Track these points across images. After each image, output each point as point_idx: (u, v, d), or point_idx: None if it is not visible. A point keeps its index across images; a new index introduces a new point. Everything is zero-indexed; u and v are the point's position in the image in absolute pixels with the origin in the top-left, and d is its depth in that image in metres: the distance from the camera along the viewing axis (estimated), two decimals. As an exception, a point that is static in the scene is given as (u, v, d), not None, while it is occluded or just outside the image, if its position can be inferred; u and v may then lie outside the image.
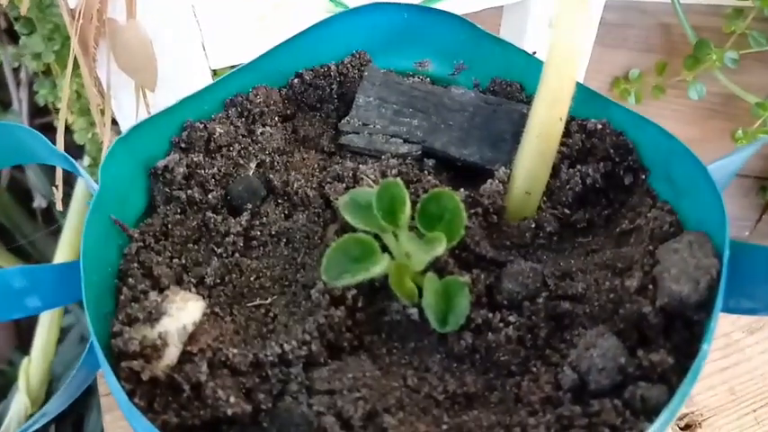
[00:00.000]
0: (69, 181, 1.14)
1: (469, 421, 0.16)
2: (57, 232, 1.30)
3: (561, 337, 0.18)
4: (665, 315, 0.17)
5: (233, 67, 0.24)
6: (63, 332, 0.93)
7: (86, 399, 1.12)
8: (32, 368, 0.89)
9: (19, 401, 0.90)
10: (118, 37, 0.31)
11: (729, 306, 0.19)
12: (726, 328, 0.38)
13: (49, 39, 0.68)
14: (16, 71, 1.40)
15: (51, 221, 1.40)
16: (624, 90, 0.63)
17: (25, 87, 1.46)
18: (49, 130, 1.04)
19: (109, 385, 0.15)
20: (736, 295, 0.19)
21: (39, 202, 1.37)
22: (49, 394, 0.96)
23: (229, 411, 0.15)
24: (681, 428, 0.34)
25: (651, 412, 0.15)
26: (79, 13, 0.30)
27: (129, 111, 0.35)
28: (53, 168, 0.73)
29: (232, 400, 0.15)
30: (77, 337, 1.10)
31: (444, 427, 0.16)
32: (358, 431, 0.15)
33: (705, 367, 0.34)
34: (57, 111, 0.79)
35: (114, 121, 0.75)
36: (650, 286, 0.17)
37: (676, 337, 0.17)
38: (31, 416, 0.92)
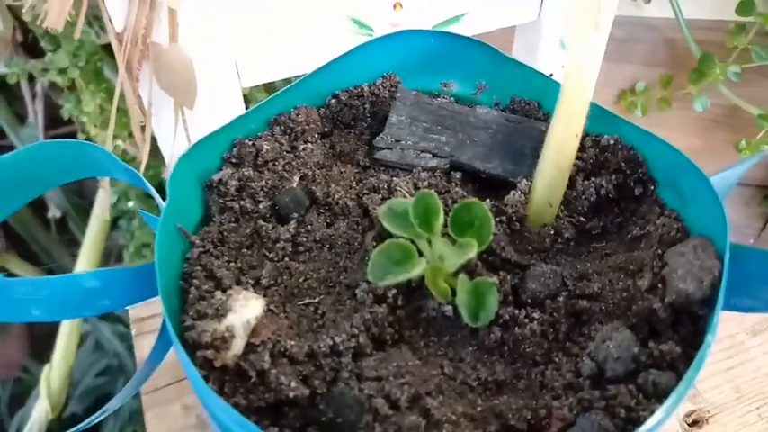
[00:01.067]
0: (86, 195, 1.16)
1: (500, 404, 0.18)
2: (71, 243, 1.33)
3: (580, 331, 0.20)
4: (673, 311, 0.19)
5: (265, 85, 0.26)
6: (80, 339, 0.96)
7: (115, 382, 1.14)
8: (53, 375, 0.92)
9: (40, 407, 0.92)
10: (161, 59, 0.33)
11: (731, 304, 0.21)
12: (731, 329, 0.40)
13: (74, 55, 0.71)
14: (32, 84, 1.43)
15: (65, 232, 1.42)
16: (631, 103, 0.65)
17: (41, 100, 1.49)
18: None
19: (187, 372, 0.17)
20: (737, 294, 0.21)
21: (53, 213, 1.40)
22: (68, 399, 0.98)
23: (291, 395, 0.17)
24: (689, 424, 0.36)
25: (661, 395, 0.17)
26: (126, 37, 0.32)
27: (167, 127, 0.37)
28: (70, 183, 0.77)
29: (293, 385, 0.18)
30: (93, 345, 1.12)
31: (479, 408, 0.18)
32: (404, 411, 0.17)
33: (711, 367, 0.36)
34: (81, 124, 0.82)
35: (130, 134, 0.77)
36: (659, 285, 0.19)
37: (683, 330, 0.19)
38: (52, 421, 0.94)
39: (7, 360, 1.30)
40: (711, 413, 0.36)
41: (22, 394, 1.26)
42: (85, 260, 0.93)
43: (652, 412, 0.16)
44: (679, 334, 0.19)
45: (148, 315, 0.39)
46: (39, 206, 1.43)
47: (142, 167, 0.40)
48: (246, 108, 0.36)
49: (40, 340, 1.35)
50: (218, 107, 0.36)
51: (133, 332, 0.39)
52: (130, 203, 0.89)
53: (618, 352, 0.18)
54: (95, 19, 0.76)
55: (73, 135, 1.65)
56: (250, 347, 0.18)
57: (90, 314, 0.22)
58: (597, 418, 0.17)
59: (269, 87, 0.60)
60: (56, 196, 1.45)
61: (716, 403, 0.37)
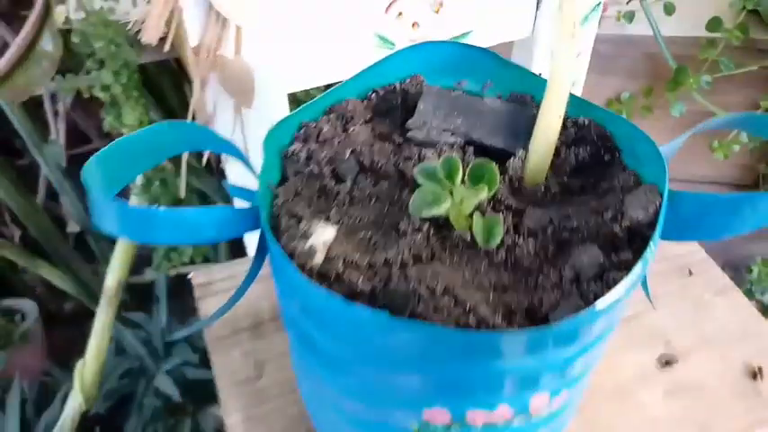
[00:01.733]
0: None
1: (506, 297, 0.26)
2: (90, 258, 1.40)
3: (563, 252, 0.27)
4: (628, 232, 0.26)
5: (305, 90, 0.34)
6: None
7: (126, 407, 1.21)
8: (87, 370, 0.99)
9: (74, 399, 1.00)
10: (226, 68, 0.41)
11: (672, 235, 0.29)
12: (698, 291, 0.47)
13: (117, 73, 0.79)
14: (54, 102, 1.53)
15: (83, 247, 1.50)
16: (617, 110, 0.74)
17: (62, 119, 1.60)
18: (87, 160, 1.18)
19: (286, 271, 0.25)
20: (676, 228, 0.28)
21: (72, 228, 1.50)
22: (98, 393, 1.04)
23: (358, 289, 0.25)
24: (663, 364, 0.43)
25: (619, 286, 0.25)
26: (200, 51, 0.40)
27: (226, 125, 0.45)
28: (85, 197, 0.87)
29: (360, 282, 0.25)
30: (116, 349, 1.19)
31: (491, 299, 0.25)
32: (438, 297, 0.25)
33: (682, 321, 0.43)
34: (119, 136, 0.90)
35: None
36: (619, 216, 0.27)
37: (635, 245, 0.26)
38: (85, 413, 1.01)
39: (30, 365, 1.37)
40: (681, 355, 0.43)
41: (47, 396, 1.34)
42: (118, 261, 1.01)
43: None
44: (632, 248, 0.26)
45: (207, 281, 0.47)
46: (59, 223, 1.51)
47: (204, 159, 0.48)
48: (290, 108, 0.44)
49: (61, 347, 1.43)
50: (269, 107, 0.44)
51: (197, 295, 0.46)
52: (162, 209, 0.96)
53: (590, 261, 0.26)
54: (137, 42, 0.84)
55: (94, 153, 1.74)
56: (327, 260, 0.26)
57: (201, 242, 0.29)
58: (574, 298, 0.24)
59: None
60: (75, 213, 1.53)
61: (685, 348, 0.44)
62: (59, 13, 0.77)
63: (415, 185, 0.29)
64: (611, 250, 0.27)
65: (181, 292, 1.40)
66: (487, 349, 0.23)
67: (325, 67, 0.45)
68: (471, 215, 0.28)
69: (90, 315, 1.57)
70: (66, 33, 0.80)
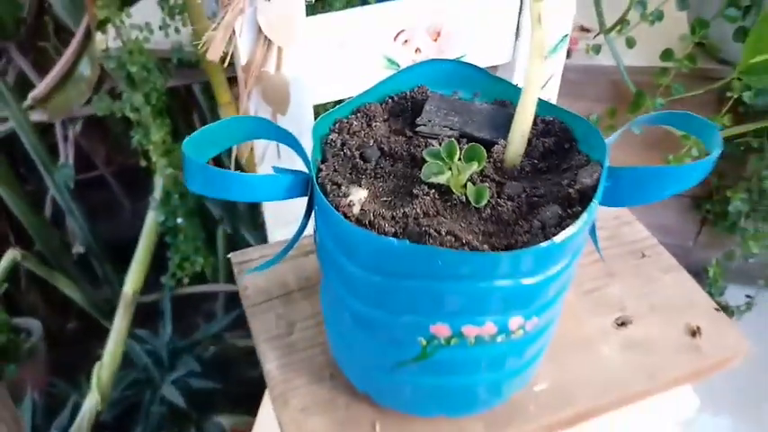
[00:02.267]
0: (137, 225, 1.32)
1: (492, 239, 0.35)
2: (93, 279, 1.49)
3: (533, 210, 0.37)
4: (579, 194, 0.36)
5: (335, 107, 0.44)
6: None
7: (133, 415, 1.29)
8: (103, 370, 1.08)
9: (91, 398, 1.08)
10: (267, 82, 0.51)
11: (615, 203, 0.39)
12: (649, 269, 0.57)
13: (147, 96, 0.90)
14: (64, 128, 1.64)
15: (87, 267, 1.59)
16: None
17: (72, 145, 1.71)
18: (92, 186, 1.34)
19: (331, 219, 0.34)
20: (617, 196, 0.38)
21: (77, 249, 1.60)
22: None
23: (386, 230, 0.35)
24: (618, 325, 0.53)
25: (572, 230, 0.35)
26: (249, 67, 0.50)
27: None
28: (92, 222, 1.01)
29: (387, 227, 0.35)
30: (123, 360, 1.26)
31: (480, 239, 0.35)
32: (443, 235, 0.34)
33: (634, 292, 0.53)
34: (144, 153, 1.00)
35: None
36: (573, 183, 0.37)
37: (584, 203, 0.36)
38: (99, 413, 1.09)
39: (36, 378, 1.45)
40: (634, 318, 0.53)
41: (55, 406, 1.41)
42: (135, 271, 1.09)
43: (565, 232, 0.34)
44: (582, 205, 0.36)
45: (244, 260, 0.56)
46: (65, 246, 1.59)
47: (243, 158, 0.57)
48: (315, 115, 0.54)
49: (64, 363, 1.50)
50: (299, 114, 0.54)
51: (236, 271, 0.56)
52: (179, 220, 1.06)
53: (552, 215, 0.36)
54: (166, 69, 0.95)
55: (101, 179, 1.82)
56: (362, 212, 0.36)
57: (261, 200, 0.38)
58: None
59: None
60: (81, 233, 1.62)
61: (637, 313, 0.53)
62: (100, 41, 0.88)
63: (423, 163, 0.39)
64: (567, 207, 0.37)
65: (182, 312, 1.48)
66: (476, 268, 0.33)
67: (344, 84, 0.55)
68: (465, 184, 0.38)
69: (91, 334, 1.66)
70: (103, 59, 0.90)
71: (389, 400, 0.45)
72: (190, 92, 1.30)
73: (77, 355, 1.48)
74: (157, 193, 1.06)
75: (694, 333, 0.52)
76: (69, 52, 0.85)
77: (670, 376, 0.50)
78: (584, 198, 0.37)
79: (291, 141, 0.39)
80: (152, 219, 1.10)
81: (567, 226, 0.35)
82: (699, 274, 0.96)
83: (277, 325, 0.52)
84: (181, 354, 1.37)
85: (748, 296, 0.98)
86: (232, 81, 0.82)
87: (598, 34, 0.80)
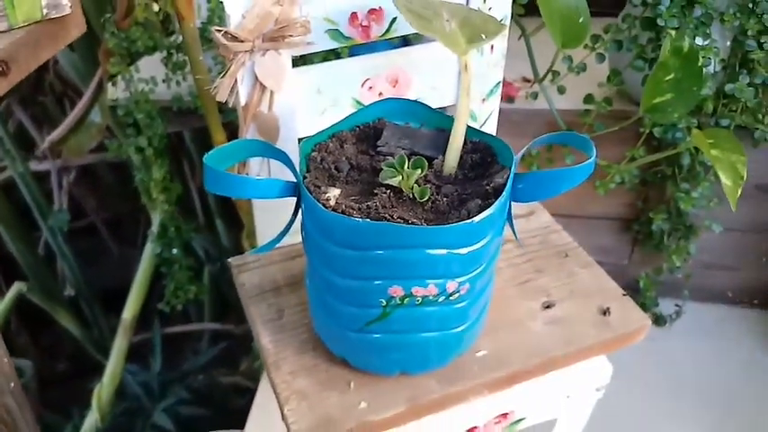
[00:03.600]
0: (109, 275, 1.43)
1: (432, 221, 0.49)
2: (83, 322, 1.60)
3: (462, 203, 0.51)
4: (494, 190, 0.50)
5: (315, 133, 0.58)
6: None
7: (135, 421, 1.39)
8: (104, 391, 1.18)
9: (91, 417, 1.18)
10: (261, 119, 0.65)
11: (523, 198, 0.52)
12: (570, 266, 0.70)
13: (150, 139, 1.03)
14: (60, 176, 1.78)
15: (78, 309, 1.70)
16: (529, 162, 1.00)
17: (66, 193, 1.85)
18: (82, 233, 1.51)
19: (315, 211, 0.48)
20: (524, 193, 0.52)
21: (68, 292, 1.73)
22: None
23: (354, 216, 0.48)
24: (545, 307, 0.66)
25: (488, 214, 0.48)
26: (248, 108, 0.64)
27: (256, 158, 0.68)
28: (83, 266, 1.17)
29: (355, 214, 0.48)
30: (116, 389, 1.36)
31: (423, 221, 0.49)
32: (396, 219, 0.48)
33: (558, 284, 0.67)
34: (145, 190, 1.12)
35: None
36: (490, 183, 0.51)
37: (497, 197, 0.50)
38: (100, 430, 1.18)
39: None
40: (557, 302, 0.66)
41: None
42: (133, 299, 1.20)
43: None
44: (496, 198, 0.50)
45: (242, 263, 0.69)
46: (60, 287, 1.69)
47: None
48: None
49: (55, 402, 1.59)
50: (286, 145, 0.68)
51: (235, 272, 0.68)
52: (174, 251, 1.18)
53: (475, 206, 0.49)
54: (166, 116, 1.08)
55: (91, 228, 1.94)
56: (337, 204, 0.49)
57: (262, 198, 0.51)
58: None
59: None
60: (72, 278, 1.73)
61: (560, 298, 0.67)
62: (111, 91, 1.02)
63: (381, 171, 0.52)
64: (485, 200, 0.50)
65: (170, 350, 1.58)
66: (418, 239, 0.46)
67: (321, 121, 0.69)
68: (413, 186, 0.52)
69: (80, 374, 1.76)
70: (112, 108, 1.04)
71: (361, 362, 0.57)
72: (181, 139, 1.43)
73: (68, 394, 1.56)
74: (155, 227, 1.19)
75: (605, 312, 0.66)
76: (83, 102, 0.99)
77: (584, 344, 0.63)
78: (498, 194, 0.51)
79: (284, 158, 0.53)
80: (149, 251, 1.21)
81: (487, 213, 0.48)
82: (634, 288, 1.10)
83: (269, 311, 0.64)
84: (170, 384, 1.46)
85: (677, 305, 1.12)
86: (225, 125, 0.96)
87: (533, 83, 0.96)
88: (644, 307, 1.09)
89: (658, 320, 1.11)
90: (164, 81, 1.01)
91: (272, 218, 0.71)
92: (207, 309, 1.56)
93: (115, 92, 1.01)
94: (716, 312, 1.16)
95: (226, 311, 1.58)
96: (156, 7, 0.99)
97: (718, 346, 1.12)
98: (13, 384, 0.79)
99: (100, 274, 1.72)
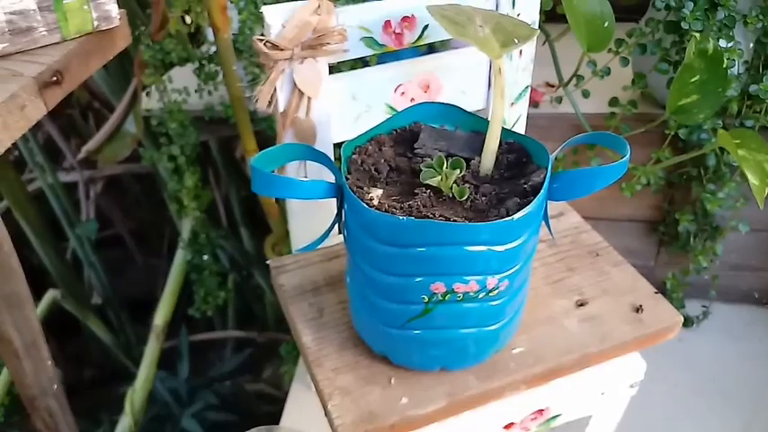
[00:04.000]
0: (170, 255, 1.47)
1: (471, 219, 0.50)
2: (109, 327, 1.63)
3: (501, 202, 0.53)
4: (532, 188, 0.52)
5: (354, 137, 0.60)
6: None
7: (165, 426, 1.41)
8: (136, 396, 1.20)
9: (124, 422, 1.20)
10: (298, 125, 0.67)
11: (560, 197, 0.54)
12: (601, 265, 0.72)
13: (183, 147, 1.06)
14: (87, 189, 1.82)
15: (105, 317, 1.74)
16: (555, 166, 1.01)
17: (93, 203, 1.88)
18: (108, 243, 1.54)
19: (358, 208, 0.49)
20: (562, 193, 0.53)
21: (96, 300, 1.76)
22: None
23: (397, 214, 0.50)
24: (578, 305, 0.67)
25: (527, 212, 0.50)
26: (286, 113, 0.66)
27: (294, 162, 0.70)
28: (110, 276, 1.20)
29: (398, 212, 0.50)
30: (147, 395, 1.38)
31: (464, 215, 0.50)
32: (438, 217, 0.49)
33: (591, 282, 0.68)
34: (178, 198, 1.15)
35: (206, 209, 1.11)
36: (527, 182, 0.52)
37: (536, 195, 0.51)
38: (132, 433, 1.20)
39: None
40: (590, 300, 0.67)
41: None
42: (164, 305, 1.23)
43: (521, 212, 0.49)
44: (534, 196, 0.51)
45: (280, 264, 0.71)
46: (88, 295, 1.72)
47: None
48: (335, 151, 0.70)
49: (82, 411, 1.61)
50: (322, 148, 0.70)
51: (273, 273, 0.70)
52: (205, 257, 1.20)
53: (513, 204, 0.51)
54: (198, 125, 1.11)
55: (116, 238, 1.97)
56: (379, 203, 0.51)
57: (307, 198, 0.53)
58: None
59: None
60: (99, 285, 1.76)
61: (592, 296, 0.68)
62: (145, 102, 1.04)
63: (420, 172, 0.54)
64: (523, 198, 0.52)
65: (196, 357, 1.61)
66: (459, 236, 0.48)
67: (355, 126, 0.71)
68: (452, 186, 0.53)
69: (108, 382, 1.78)
70: (146, 118, 1.07)
71: (401, 358, 0.59)
72: (207, 148, 1.46)
73: (96, 401, 1.59)
74: (185, 234, 1.21)
75: (638, 310, 0.67)
76: (118, 112, 1.02)
77: (618, 341, 0.64)
78: (536, 192, 0.52)
79: (326, 160, 0.55)
80: (180, 258, 1.24)
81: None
82: (661, 290, 1.10)
83: (310, 310, 0.66)
84: (198, 391, 1.48)
85: (704, 306, 1.12)
86: (257, 134, 0.98)
87: (558, 88, 0.98)
88: (649, 283, 1.09)
89: (686, 322, 1.11)
90: (196, 91, 1.04)
91: (307, 222, 0.73)
92: (231, 317, 1.58)
93: (149, 102, 1.04)
94: (743, 313, 1.16)
95: (249, 320, 1.60)
96: (188, 20, 1.02)
97: (746, 347, 1.12)
98: (55, 387, 0.81)
99: (126, 283, 1.75)
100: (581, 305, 0.67)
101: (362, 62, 0.96)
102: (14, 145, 1.44)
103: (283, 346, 1.14)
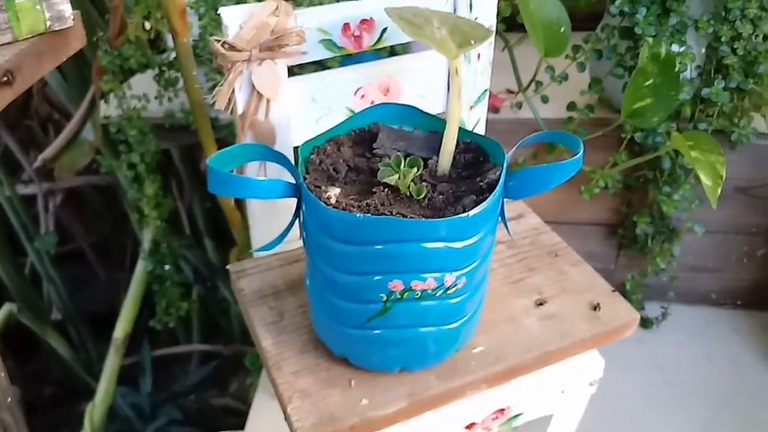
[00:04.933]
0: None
1: (431, 217, 0.51)
2: (70, 343, 1.59)
3: (457, 200, 0.53)
4: (488, 186, 0.52)
5: (313, 137, 0.60)
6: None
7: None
8: (96, 411, 1.17)
9: None
10: (258, 127, 0.67)
11: (515, 195, 0.54)
12: (560, 264, 0.72)
13: (143, 155, 1.05)
14: (46, 200, 1.78)
15: (65, 333, 1.70)
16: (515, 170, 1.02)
17: (52, 216, 1.84)
18: (69, 257, 1.51)
19: (316, 207, 0.49)
20: (519, 190, 0.54)
21: (55, 315, 1.72)
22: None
23: (356, 213, 0.50)
24: (537, 304, 0.67)
25: (483, 208, 0.50)
26: (245, 116, 0.66)
27: (254, 163, 0.70)
28: (70, 290, 1.18)
29: (355, 211, 0.50)
30: (107, 411, 1.35)
31: (421, 213, 0.50)
32: (395, 215, 0.49)
33: (550, 282, 0.69)
34: (138, 206, 1.13)
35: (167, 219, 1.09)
36: (484, 179, 0.53)
37: (491, 192, 0.52)
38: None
39: None
40: (549, 299, 0.68)
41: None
42: (124, 317, 1.20)
43: (477, 209, 0.50)
44: (490, 193, 0.52)
45: (240, 269, 0.70)
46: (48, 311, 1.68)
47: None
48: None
49: (39, 420, 1.56)
50: (282, 150, 0.70)
51: (233, 278, 0.69)
52: (167, 267, 1.18)
53: (469, 201, 0.51)
54: (159, 133, 1.10)
55: (77, 252, 1.93)
56: (337, 202, 0.51)
57: (265, 198, 0.52)
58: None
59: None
60: (59, 299, 1.72)
61: (551, 295, 0.69)
62: (103, 109, 1.03)
63: (378, 171, 0.54)
64: (479, 195, 0.52)
65: (160, 372, 1.58)
66: (415, 232, 0.48)
67: (315, 128, 0.71)
68: (409, 185, 0.54)
69: (67, 399, 1.74)
70: (104, 125, 1.05)
71: (361, 360, 0.58)
72: (169, 157, 1.45)
73: (55, 419, 1.54)
74: (146, 244, 1.19)
75: (595, 308, 0.68)
76: (75, 119, 1.00)
77: (578, 338, 0.64)
78: (492, 189, 0.53)
79: (284, 160, 0.55)
80: (141, 268, 1.22)
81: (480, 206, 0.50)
82: (621, 292, 1.12)
83: (270, 314, 0.65)
84: (161, 405, 1.45)
85: (663, 307, 1.14)
86: (218, 141, 0.98)
87: (517, 93, 0.99)
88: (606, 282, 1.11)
89: (645, 323, 1.14)
90: (156, 98, 1.02)
91: (267, 224, 0.72)
92: (195, 329, 1.55)
93: (107, 109, 1.03)
94: (701, 314, 1.19)
95: (214, 332, 1.58)
96: (147, 25, 1.01)
97: (705, 347, 1.14)
98: (9, 399, 0.79)
99: (87, 297, 1.71)
100: (540, 304, 0.68)
101: (322, 65, 0.96)
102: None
103: (248, 357, 1.13)
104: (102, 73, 0.99)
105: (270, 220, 0.72)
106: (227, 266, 0.70)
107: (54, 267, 1.53)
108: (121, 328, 1.20)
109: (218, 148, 0.95)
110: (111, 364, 1.18)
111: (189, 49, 0.86)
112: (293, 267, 0.70)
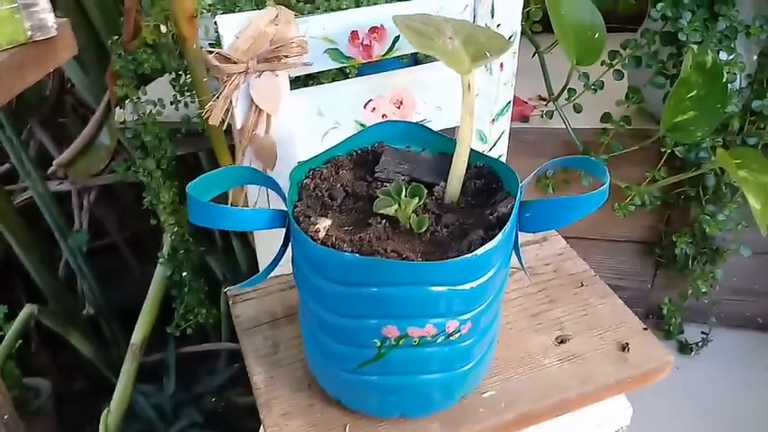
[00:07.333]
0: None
1: (429, 256, 0.45)
2: (101, 341, 1.58)
3: (463, 235, 0.47)
4: (498, 220, 0.46)
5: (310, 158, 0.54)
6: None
7: None
8: (111, 418, 1.15)
9: None
10: (258, 143, 0.62)
11: (531, 228, 0.48)
12: (586, 296, 0.66)
13: (159, 161, 1.01)
14: (80, 197, 1.76)
15: (96, 329, 1.68)
16: (545, 184, 0.95)
17: (86, 213, 1.82)
18: (103, 252, 1.46)
19: (303, 244, 0.44)
20: (535, 223, 0.48)
21: (87, 311, 1.70)
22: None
23: (345, 250, 0.44)
24: (558, 342, 0.61)
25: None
26: (243, 131, 0.61)
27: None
28: (102, 285, 1.13)
29: (346, 247, 0.45)
30: (128, 412, 1.33)
31: (420, 255, 0.45)
32: (390, 253, 0.44)
33: (573, 316, 0.62)
34: (154, 212, 1.10)
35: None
36: (494, 212, 0.47)
37: (502, 227, 0.46)
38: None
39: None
40: (572, 336, 0.62)
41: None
42: (143, 322, 1.18)
43: (483, 248, 0.44)
44: (500, 228, 0.46)
45: (238, 293, 0.66)
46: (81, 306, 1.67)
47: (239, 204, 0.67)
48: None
49: (70, 422, 1.57)
50: (284, 169, 0.65)
51: (231, 302, 0.65)
52: (185, 274, 1.15)
53: (477, 237, 0.46)
54: (176, 138, 1.07)
55: (112, 246, 1.92)
56: (326, 236, 0.46)
57: (249, 229, 0.47)
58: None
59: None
60: (91, 295, 1.72)
61: (574, 332, 0.62)
62: (119, 114, 1.00)
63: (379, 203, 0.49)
64: (489, 230, 0.47)
65: (185, 370, 1.56)
66: (411, 275, 0.43)
67: (322, 144, 0.66)
68: (410, 215, 0.48)
69: (98, 392, 1.74)
70: (121, 130, 1.02)
71: (357, 404, 0.53)
72: (197, 159, 1.42)
73: (84, 414, 1.54)
74: (165, 250, 1.16)
75: (624, 348, 0.61)
76: (91, 124, 0.97)
77: (601, 383, 0.58)
78: (502, 223, 0.47)
79: (272, 184, 0.50)
80: (160, 273, 1.19)
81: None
82: (658, 314, 1.04)
83: (264, 345, 0.61)
84: (184, 406, 1.43)
85: (704, 332, 1.06)
86: (232, 148, 0.94)
87: (548, 102, 0.93)
88: (668, 334, 1.03)
89: (684, 348, 1.05)
90: (171, 103, 0.99)
91: (272, 247, 0.68)
92: (224, 329, 1.53)
93: (123, 114, 1.00)
94: (745, 339, 1.10)
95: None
96: (163, 29, 0.98)
97: (748, 375, 1.05)
98: (7, 416, 0.77)
99: (121, 292, 1.71)
100: (561, 342, 0.61)
101: (343, 74, 0.91)
102: (6, 156, 1.41)
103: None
104: (116, 77, 0.96)
105: (276, 239, 0.67)
106: (225, 290, 0.66)
107: (87, 263, 1.53)
108: (139, 334, 1.18)
109: (232, 155, 0.91)
110: (128, 369, 1.16)
111: (198, 54, 0.82)
112: (293, 293, 0.66)
